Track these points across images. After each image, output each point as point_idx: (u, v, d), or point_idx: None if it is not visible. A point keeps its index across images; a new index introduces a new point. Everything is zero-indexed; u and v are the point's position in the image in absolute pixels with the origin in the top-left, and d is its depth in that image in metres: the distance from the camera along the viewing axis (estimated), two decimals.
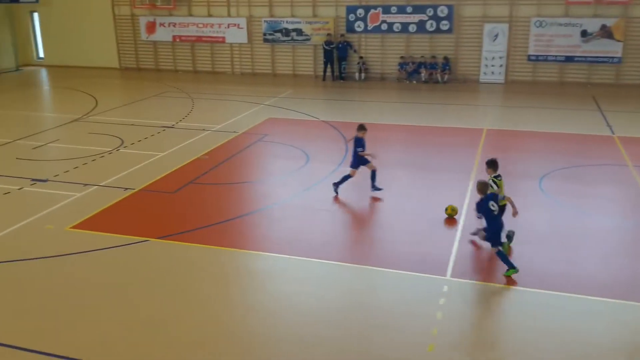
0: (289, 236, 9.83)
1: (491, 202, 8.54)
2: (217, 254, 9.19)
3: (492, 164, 9.33)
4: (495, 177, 9.27)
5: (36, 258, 8.97)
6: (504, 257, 8.45)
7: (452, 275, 8.39)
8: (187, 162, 13.58)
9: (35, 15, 28.72)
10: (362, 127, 11.29)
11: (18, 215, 10.43)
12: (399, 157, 13.52)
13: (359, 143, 11.26)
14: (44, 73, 27.70)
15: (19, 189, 11.83)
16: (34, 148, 14.81)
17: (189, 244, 9.47)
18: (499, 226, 8.64)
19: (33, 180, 12.29)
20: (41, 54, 29.43)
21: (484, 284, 8.21)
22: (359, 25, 23.81)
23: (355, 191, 12.01)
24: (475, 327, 7.27)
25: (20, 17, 28.76)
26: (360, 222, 10.56)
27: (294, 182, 12.34)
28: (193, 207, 11.12)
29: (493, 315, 7.52)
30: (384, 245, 9.59)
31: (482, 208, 8.64)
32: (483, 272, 8.62)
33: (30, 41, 29.27)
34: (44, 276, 8.52)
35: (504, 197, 9.14)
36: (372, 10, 23.54)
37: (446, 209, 10.44)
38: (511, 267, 8.34)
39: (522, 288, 8.08)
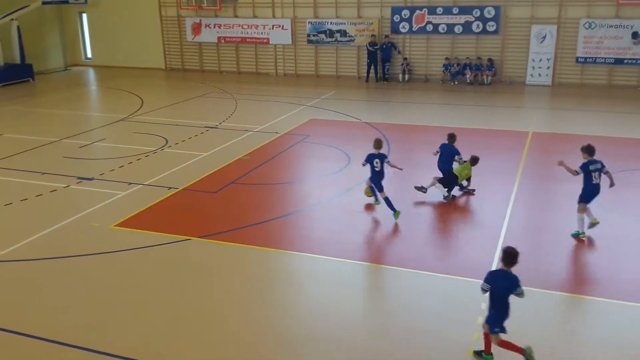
0: (329, 237, 9.78)
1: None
2: (257, 253, 9.22)
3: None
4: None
5: (81, 255, 9.18)
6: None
7: None
8: (229, 162, 13.70)
9: (84, 16, 29.54)
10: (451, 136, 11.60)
11: (64, 213, 10.70)
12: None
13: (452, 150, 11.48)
14: (91, 73, 28.46)
15: (65, 187, 12.14)
16: (81, 147, 15.20)
17: (230, 243, 9.54)
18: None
19: (79, 178, 12.60)
20: (89, 54, 30.24)
21: (528, 289, 7.97)
22: (403, 26, 23.59)
23: (397, 194, 11.87)
24: (517, 333, 7.06)
25: (70, 18, 29.61)
26: (400, 224, 10.42)
27: (334, 183, 12.30)
28: (234, 207, 11.20)
29: (535, 321, 7.29)
30: (425, 247, 9.45)
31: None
32: (527, 276, 8.37)
33: (78, 41, 30.10)
34: (89, 273, 8.70)
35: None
36: (418, 11, 23.30)
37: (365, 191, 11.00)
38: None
39: (566, 294, 7.82)
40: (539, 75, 22.41)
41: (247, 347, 6.89)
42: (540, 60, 22.25)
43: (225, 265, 8.88)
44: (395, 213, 10.28)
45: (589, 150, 9.48)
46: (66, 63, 29.57)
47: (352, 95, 21.76)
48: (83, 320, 7.44)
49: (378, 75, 24.17)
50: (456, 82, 23.04)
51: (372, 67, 24.06)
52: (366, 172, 10.80)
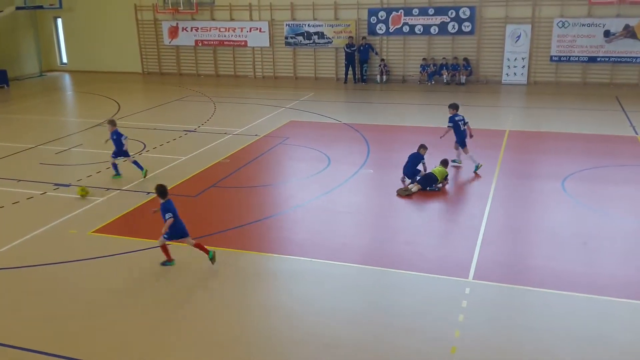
0: (310, 239, 9.81)
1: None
2: (239, 256, 9.21)
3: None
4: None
5: (60, 262, 9.07)
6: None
7: (475, 277, 8.30)
8: (208, 165, 13.66)
9: (59, 21, 29.20)
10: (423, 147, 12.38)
11: (42, 220, 10.57)
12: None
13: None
14: (67, 78, 28.15)
15: (42, 193, 12.00)
16: (57, 153, 15.02)
17: (212, 247, 9.49)
18: None
19: (56, 185, 12.46)
20: (65, 59, 29.91)
21: (507, 286, 8.11)
22: (380, 28, 23.76)
23: (376, 194, 11.95)
24: (497, 330, 7.17)
25: (44, 23, 29.27)
26: (381, 224, 10.50)
27: (315, 185, 12.33)
28: (215, 210, 11.17)
29: (515, 318, 7.41)
30: (405, 247, 9.52)
31: None
32: (506, 273, 8.50)
33: (53, 47, 29.77)
34: (67, 280, 8.60)
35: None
36: (394, 13, 23.48)
37: (78, 190, 11.54)
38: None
39: (544, 290, 7.95)
40: (515, 74, 22.73)
41: (230, 350, 6.88)
42: (516, 59, 22.58)
43: (206, 268, 8.85)
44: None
45: (454, 106, 12.85)
46: (41, 68, 29.21)
47: (331, 97, 21.85)
48: (64, 328, 7.36)
49: (356, 76, 24.29)
50: (433, 82, 23.27)
51: (350, 68, 24.18)
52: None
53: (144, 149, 15.09)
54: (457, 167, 13.04)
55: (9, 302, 8.04)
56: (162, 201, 8.65)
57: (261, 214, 10.87)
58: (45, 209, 11.25)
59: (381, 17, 23.64)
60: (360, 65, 24.13)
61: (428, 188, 11.58)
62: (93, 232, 10.12)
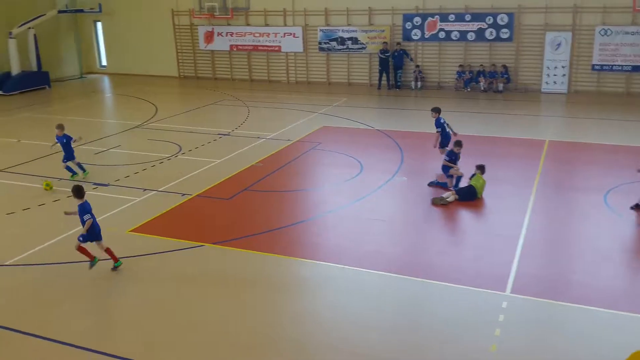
0: (342, 245, 9.73)
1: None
2: (270, 260, 9.19)
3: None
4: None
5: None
6: None
7: (512, 291, 8.09)
8: (242, 169, 13.70)
9: (99, 25, 29.81)
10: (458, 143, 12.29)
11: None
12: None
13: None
14: (106, 80, 28.69)
15: None
16: (96, 153, 15.28)
17: (243, 250, 9.51)
18: None
19: (95, 184, 12.66)
20: (104, 62, 30.50)
21: (546, 301, 7.88)
22: (415, 34, 23.57)
23: (410, 202, 11.80)
24: (534, 346, 6.95)
25: (85, 26, 29.91)
26: (415, 233, 10.35)
27: (347, 191, 12.24)
28: (247, 213, 11.18)
29: (554, 335, 7.18)
30: (440, 257, 9.36)
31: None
32: (545, 287, 8.26)
33: (93, 50, 30.39)
34: (105, 278, 8.71)
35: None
36: (430, 18, 23.26)
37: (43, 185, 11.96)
38: None
39: (585, 306, 7.70)
40: (554, 82, 22.26)
41: (260, 354, 6.83)
42: (556, 67, 22.11)
43: (238, 271, 8.85)
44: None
45: (437, 110, 13.44)
46: (82, 71, 29.85)
47: (364, 103, 21.74)
48: (97, 324, 7.44)
49: (390, 82, 24.14)
50: (469, 90, 22.95)
51: (384, 74, 24.04)
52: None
53: (179, 151, 15.23)
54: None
55: (47, 296, 8.17)
56: (79, 202, 8.55)
57: (292, 219, 10.83)
58: None
59: (416, 22, 23.45)
60: (394, 71, 23.96)
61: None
62: (130, 231, 10.25)
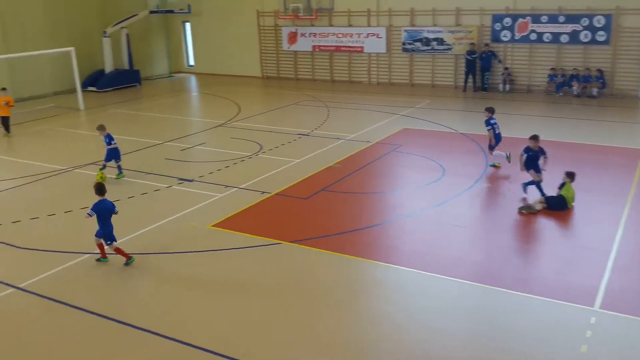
0: (420, 250, 9.50)
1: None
2: (347, 262, 9.12)
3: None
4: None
5: (180, 252, 9.48)
6: None
7: (602, 307, 7.60)
8: (320, 169, 13.72)
9: (187, 25, 30.89)
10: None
11: (166, 212, 11.14)
12: (546, 175, 12.57)
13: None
14: (193, 80, 29.68)
15: (167, 187, 12.64)
16: (182, 150, 15.80)
17: (320, 250, 9.50)
18: None
19: (180, 179, 13.08)
20: (191, 62, 31.58)
21: (638, 319, 7.33)
22: (505, 35, 22.77)
23: (494, 209, 11.38)
24: None
25: (174, 27, 31.08)
26: (498, 242, 9.94)
27: (427, 195, 11.97)
28: (325, 213, 11.17)
29: None
30: (523, 268, 8.94)
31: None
32: (637, 304, 7.69)
33: (182, 49, 31.52)
34: (184, 270, 8.96)
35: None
36: (521, 19, 22.40)
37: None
38: None
39: None
40: None
41: (339, 353, 6.77)
42: None
43: (314, 271, 8.85)
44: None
45: (491, 109, 13.77)
46: (170, 70, 31.05)
47: (448, 105, 21.23)
48: (175, 312, 7.65)
49: (476, 84, 23.45)
50: (561, 94, 21.89)
51: (470, 76, 23.39)
52: None
53: (260, 150, 15.48)
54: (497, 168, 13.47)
55: (132, 283, 8.51)
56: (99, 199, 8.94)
57: (370, 221, 10.71)
58: (170, 201, 11.85)
59: (506, 23, 22.64)
60: (481, 73, 23.26)
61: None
62: (212, 226, 10.50)
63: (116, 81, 26.14)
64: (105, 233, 8.93)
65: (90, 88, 25.13)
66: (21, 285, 8.40)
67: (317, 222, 10.76)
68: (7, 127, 17.72)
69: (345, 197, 12.08)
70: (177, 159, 14.74)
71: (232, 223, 10.64)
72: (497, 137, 13.55)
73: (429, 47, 24.36)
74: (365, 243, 9.90)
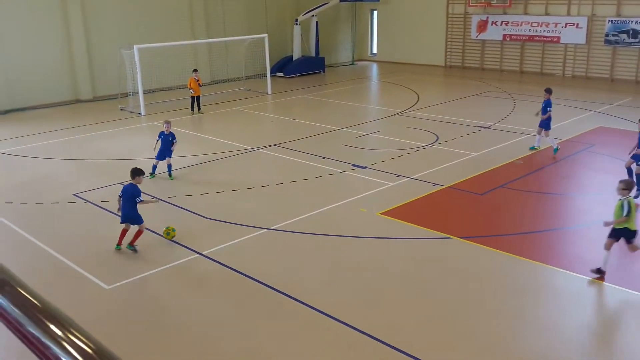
0: (602, 259, 8.54)
1: None
2: (519, 264, 8.54)
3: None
4: None
5: (347, 236, 9.64)
6: None
7: None
8: (499, 164, 13.03)
9: (375, 13, 31.19)
10: None
11: (338, 196, 11.39)
12: None
13: None
14: (374, 68, 29.99)
15: (341, 172, 12.93)
16: (358, 137, 16.06)
17: (492, 248, 9.02)
18: None
19: (354, 165, 13.30)
20: (374, 50, 31.90)
21: None
22: None
23: None
24: None
25: (362, 15, 31.58)
26: None
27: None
28: (500, 212, 10.59)
29: None
30: None
31: None
32: None
33: (366, 37, 31.96)
34: (351, 253, 9.08)
35: None
36: None
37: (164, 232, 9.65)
38: None
39: None
40: None
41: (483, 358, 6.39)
42: None
43: (483, 269, 8.42)
44: None
45: (549, 91, 13.96)
46: (354, 58, 31.69)
47: None
48: (339, 295, 7.76)
49: None
50: None
51: None
52: None
53: (436, 140, 15.15)
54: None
55: (299, 260, 8.83)
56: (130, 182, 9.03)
57: (549, 224, 9.92)
58: (342, 186, 12.11)
59: None
60: None
61: None
62: (381, 213, 10.52)
63: (302, 68, 27.28)
64: (128, 215, 8.98)
65: (278, 74, 26.57)
66: (204, 252, 9.16)
67: (492, 219, 10.25)
68: (199, 106, 19.39)
69: (525, 196, 11.33)
70: (352, 146, 15.01)
71: (402, 212, 10.55)
72: (550, 118, 13.71)
73: (637, 40, 21.80)
74: (541, 246, 9.21)
